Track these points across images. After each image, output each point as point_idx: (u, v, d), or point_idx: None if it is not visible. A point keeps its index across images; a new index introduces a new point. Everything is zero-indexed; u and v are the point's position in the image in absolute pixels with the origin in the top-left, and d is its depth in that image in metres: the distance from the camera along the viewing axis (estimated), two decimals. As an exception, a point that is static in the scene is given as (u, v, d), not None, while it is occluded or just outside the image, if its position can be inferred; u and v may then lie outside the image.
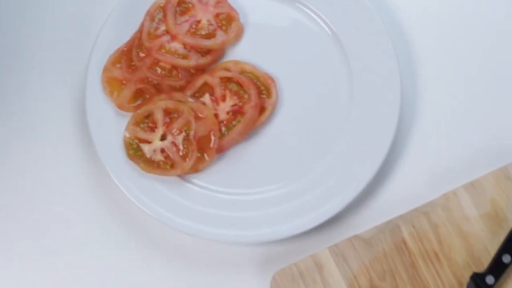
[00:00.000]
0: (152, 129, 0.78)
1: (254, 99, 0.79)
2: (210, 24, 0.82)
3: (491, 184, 0.77)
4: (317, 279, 0.75)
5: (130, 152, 0.77)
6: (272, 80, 0.80)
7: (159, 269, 0.77)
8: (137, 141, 0.78)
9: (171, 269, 0.77)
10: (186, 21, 0.81)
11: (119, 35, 0.82)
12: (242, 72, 0.80)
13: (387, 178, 0.80)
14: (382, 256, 0.75)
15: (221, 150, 0.78)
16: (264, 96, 0.80)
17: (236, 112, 0.79)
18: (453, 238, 0.76)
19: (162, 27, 0.81)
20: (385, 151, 0.77)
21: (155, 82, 0.80)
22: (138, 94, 0.80)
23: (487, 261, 0.75)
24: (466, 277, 0.75)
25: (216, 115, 0.78)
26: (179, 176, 0.78)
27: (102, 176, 0.78)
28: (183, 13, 0.82)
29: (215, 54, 0.81)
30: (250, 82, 0.79)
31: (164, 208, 0.76)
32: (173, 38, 0.81)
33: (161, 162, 0.77)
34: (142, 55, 0.81)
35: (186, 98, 0.79)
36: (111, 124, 0.79)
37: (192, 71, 0.81)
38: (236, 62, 0.81)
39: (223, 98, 0.79)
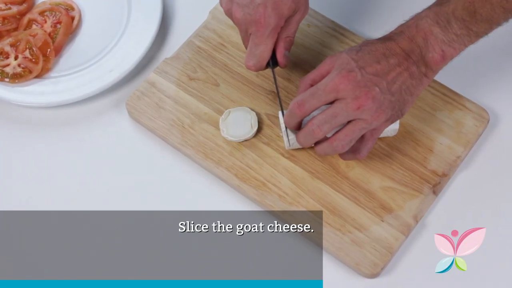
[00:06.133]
0: (7, 57, 1.12)
1: (64, 12, 1.15)
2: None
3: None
4: None
5: (-2, 76, 1.12)
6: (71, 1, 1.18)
7: None
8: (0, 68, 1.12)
9: None
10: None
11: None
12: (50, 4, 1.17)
13: None
14: None
15: (58, 50, 1.14)
16: (69, 10, 1.17)
17: (57, 23, 1.15)
18: None
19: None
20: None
21: (-4, 32, 1.16)
22: (-11, 44, 1.15)
23: None
24: None
25: (45, 32, 1.14)
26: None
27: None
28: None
29: (28, 1, 1.18)
30: (57, 6, 1.16)
31: None
32: (-4, 2, 1.17)
33: (22, 72, 1.11)
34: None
35: (21, 32, 1.14)
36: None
37: (18, 16, 1.17)
38: (44, 2, 1.18)
39: (45, 21, 1.15)
